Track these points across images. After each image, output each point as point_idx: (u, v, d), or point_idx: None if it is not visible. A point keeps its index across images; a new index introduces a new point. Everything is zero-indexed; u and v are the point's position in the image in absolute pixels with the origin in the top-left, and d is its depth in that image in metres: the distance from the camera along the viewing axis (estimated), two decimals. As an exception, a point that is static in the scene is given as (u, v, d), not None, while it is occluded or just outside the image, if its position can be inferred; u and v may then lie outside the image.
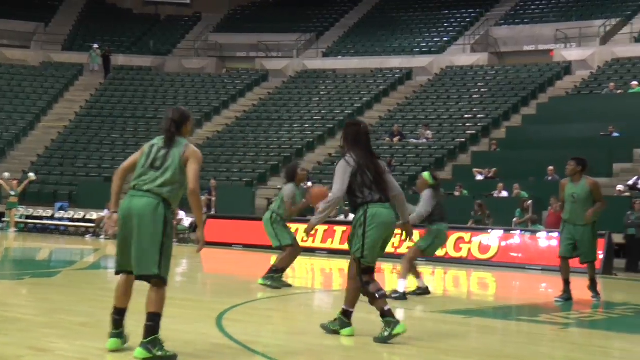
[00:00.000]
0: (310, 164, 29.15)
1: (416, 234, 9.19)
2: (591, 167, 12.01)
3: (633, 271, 18.94)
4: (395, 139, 29.69)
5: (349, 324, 7.49)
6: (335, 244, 20.88)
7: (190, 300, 10.10)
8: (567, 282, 11.56)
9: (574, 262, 11.78)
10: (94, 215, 26.58)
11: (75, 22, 43.87)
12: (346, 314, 7.52)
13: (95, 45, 39.90)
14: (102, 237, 24.92)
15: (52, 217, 27.95)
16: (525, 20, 37.41)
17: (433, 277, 15.81)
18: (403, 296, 10.77)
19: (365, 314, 8.06)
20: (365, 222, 7.21)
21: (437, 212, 11.19)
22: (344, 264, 13.23)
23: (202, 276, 15.54)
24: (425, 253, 11.58)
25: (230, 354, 6.54)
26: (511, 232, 19.77)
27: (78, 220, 27.35)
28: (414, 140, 29.78)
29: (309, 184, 12.24)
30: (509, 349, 7.70)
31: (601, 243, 15.55)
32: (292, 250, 12.02)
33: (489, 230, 19.94)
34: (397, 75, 35.98)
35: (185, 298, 10.08)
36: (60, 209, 28.11)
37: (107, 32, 42.09)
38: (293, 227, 13.52)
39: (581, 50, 34.00)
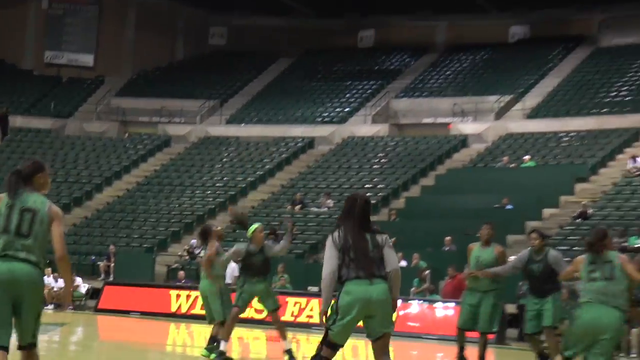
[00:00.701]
0: (211, 230, 28.96)
1: None
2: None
3: (525, 341, 19.39)
4: (297, 207, 29.92)
5: None
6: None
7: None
8: (461, 349, 11.66)
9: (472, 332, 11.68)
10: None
11: (-28, 81, 42.93)
12: None
13: (-7, 105, 39.09)
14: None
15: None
16: (425, 94, 38.46)
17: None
18: None
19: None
20: (337, 299, 7.03)
21: None
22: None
23: (98, 345, 15.19)
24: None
25: None
26: (409, 301, 20.05)
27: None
28: (315, 209, 30.07)
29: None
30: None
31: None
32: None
33: (388, 299, 20.11)
34: (299, 144, 36.41)
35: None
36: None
37: (5, 92, 41.15)
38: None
39: (477, 125, 35.07)
